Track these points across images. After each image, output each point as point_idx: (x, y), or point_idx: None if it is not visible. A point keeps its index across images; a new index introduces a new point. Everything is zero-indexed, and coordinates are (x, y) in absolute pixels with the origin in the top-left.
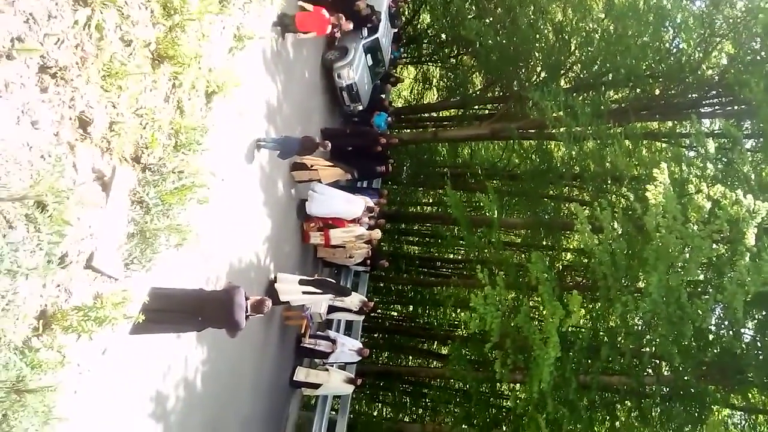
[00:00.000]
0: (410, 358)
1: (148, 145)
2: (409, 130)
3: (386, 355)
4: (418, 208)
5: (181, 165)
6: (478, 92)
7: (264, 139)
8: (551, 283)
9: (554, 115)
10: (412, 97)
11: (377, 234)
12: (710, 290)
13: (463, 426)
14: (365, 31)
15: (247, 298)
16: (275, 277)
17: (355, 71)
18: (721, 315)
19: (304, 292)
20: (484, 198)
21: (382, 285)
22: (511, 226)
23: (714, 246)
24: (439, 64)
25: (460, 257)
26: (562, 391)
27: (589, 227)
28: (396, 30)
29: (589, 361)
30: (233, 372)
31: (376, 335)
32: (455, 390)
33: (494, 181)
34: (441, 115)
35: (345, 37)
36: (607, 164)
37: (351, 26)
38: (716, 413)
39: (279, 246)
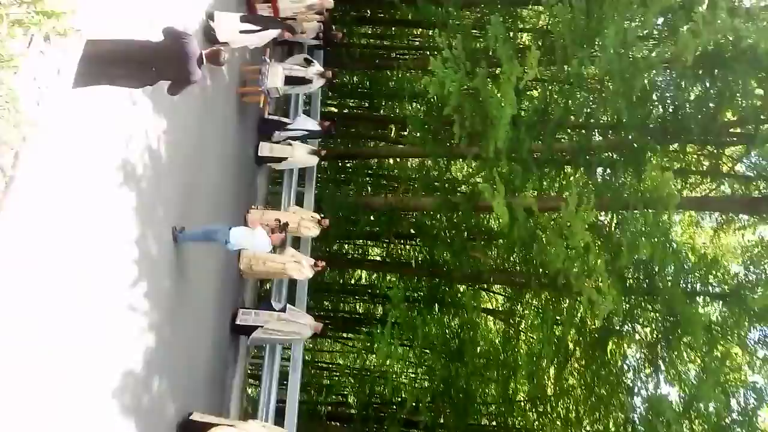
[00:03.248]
0: (369, 143)
1: None
2: None
3: (346, 142)
4: None
5: None
6: None
7: None
8: (510, 45)
9: None
10: None
11: (329, 2)
12: (662, 44)
13: (423, 193)
14: None
15: None
16: (212, 15)
17: None
18: (669, 74)
19: (241, 31)
20: None
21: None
22: (469, 3)
23: None
24: None
25: (416, 44)
26: (517, 152)
27: None
28: None
29: (542, 123)
30: (198, 144)
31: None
32: (414, 168)
33: None
34: None
35: None
36: None
37: None
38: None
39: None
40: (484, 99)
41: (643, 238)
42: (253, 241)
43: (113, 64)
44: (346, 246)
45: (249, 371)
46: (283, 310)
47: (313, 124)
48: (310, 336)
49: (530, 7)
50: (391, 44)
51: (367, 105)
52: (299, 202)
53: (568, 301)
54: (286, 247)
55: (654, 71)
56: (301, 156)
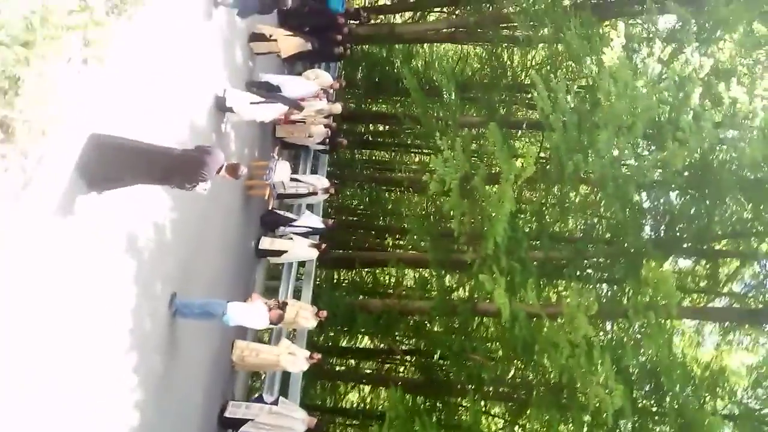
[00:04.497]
0: (368, 246)
1: None
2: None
3: (344, 249)
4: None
5: None
6: None
7: None
8: (507, 149)
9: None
10: None
11: (337, 108)
12: (652, 152)
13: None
14: None
15: None
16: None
17: None
18: (660, 187)
19: (252, 103)
20: (439, 76)
21: (336, 201)
22: (469, 124)
23: (660, 106)
24: None
25: (415, 167)
26: (515, 253)
27: (546, 94)
28: None
29: (539, 227)
30: (200, 229)
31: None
32: (413, 276)
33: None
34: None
35: None
36: (561, 49)
37: None
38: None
39: (237, 123)
40: (482, 198)
41: (646, 338)
42: (251, 316)
43: (126, 166)
44: (338, 366)
45: None
46: (275, 403)
47: (317, 221)
48: None
49: (522, 135)
50: (391, 167)
51: (365, 220)
52: (296, 297)
53: (571, 414)
54: (281, 338)
55: (646, 177)
56: (301, 250)
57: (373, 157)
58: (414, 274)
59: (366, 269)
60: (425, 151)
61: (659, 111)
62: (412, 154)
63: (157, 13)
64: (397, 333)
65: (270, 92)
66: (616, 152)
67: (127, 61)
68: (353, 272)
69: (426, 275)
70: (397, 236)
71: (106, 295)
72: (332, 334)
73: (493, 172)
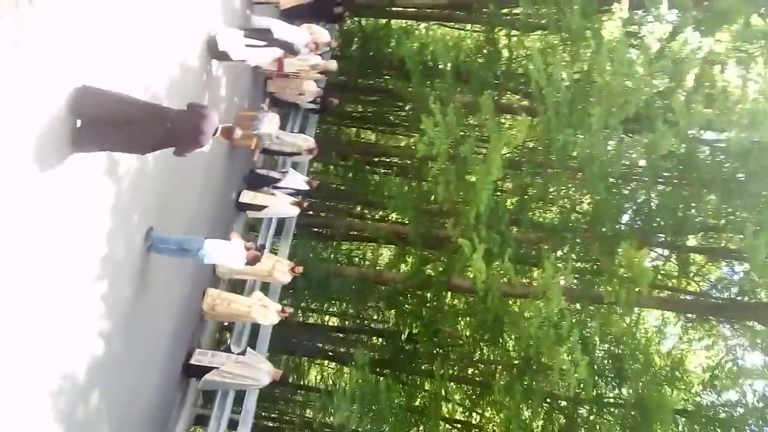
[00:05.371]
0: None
1: None
2: None
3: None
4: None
5: None
6: None
7: None
8: (498, 120)
9: None
10: None
11: (333, 65)
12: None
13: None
14: None
15: None
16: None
17: None
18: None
19: (246, 45)
20: (436, 46)
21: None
22: (461, 102)
23: (653, 85)
24: None
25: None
26: (495, 227)
27: (543, 67)
28: None
29: (520, 203)
30: (182, 171)
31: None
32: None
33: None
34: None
35: None
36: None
37: None
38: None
39: (229, 70)
40: (470, 166)
41: (614, 318)
42: (228, 253)
43: (119, 126)
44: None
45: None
46: (243, 354)
47: (301, 182)
48: (267, 384)
49: (512, 125)
50: (377, 148)
51: (346, 195)
52: (274, 253)
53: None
54: (254, 291)
55: (632, 157)
56: (282, 206)
57: (360, 137)
58: (390, 249)
59: (343, 242)
60: (413, 134)
61: (653, 90)
62: (399, 137)
63: None
64: (369, 303)
65: (263, 36)
66: (605, 132)
67: None
68: (331, 245)
69: (403, 249)
70: (374, 214)
71: (81, 214)
72: (300, 312)
73: (481, 150)
